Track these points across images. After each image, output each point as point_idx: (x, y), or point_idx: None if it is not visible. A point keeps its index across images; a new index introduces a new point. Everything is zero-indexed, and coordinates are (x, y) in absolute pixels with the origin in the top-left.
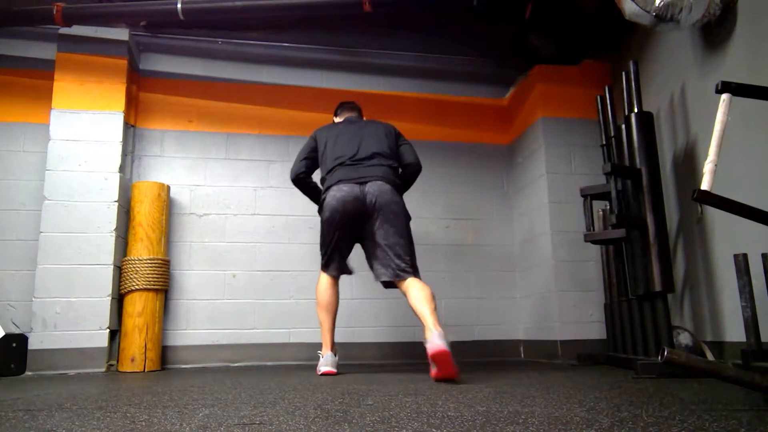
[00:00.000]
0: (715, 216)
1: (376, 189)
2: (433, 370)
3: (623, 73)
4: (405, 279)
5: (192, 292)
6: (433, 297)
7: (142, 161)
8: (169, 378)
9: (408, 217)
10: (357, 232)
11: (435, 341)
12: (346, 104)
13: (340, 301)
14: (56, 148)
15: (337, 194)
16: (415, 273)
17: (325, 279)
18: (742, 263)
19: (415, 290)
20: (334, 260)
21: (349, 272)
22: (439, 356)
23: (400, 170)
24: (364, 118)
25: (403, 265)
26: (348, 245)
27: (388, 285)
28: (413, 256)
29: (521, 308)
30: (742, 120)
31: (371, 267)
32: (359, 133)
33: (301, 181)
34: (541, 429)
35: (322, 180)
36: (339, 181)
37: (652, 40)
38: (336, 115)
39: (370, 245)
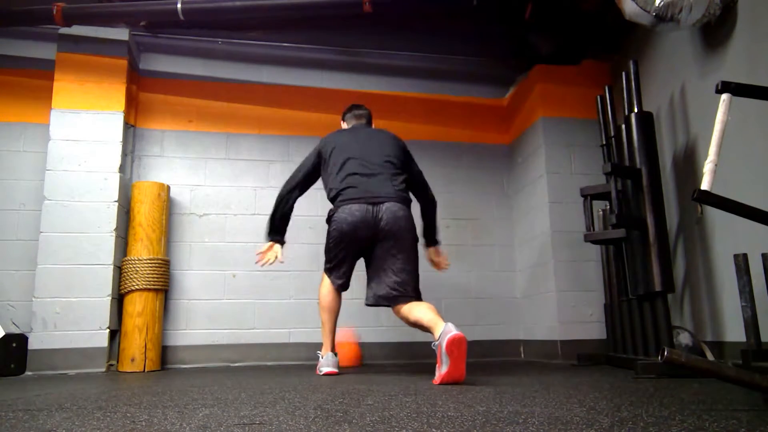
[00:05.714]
0: (715, 216)
1: (390, 215)
2: (439, 374)
3: (623, 73)
4: (407, 303)
5: (192, 292)
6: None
7: (142, 161)
8: (169, 378)
9: (417, 240)
10: (365, 251)
11: (452, 328)
12: (355, 109)
13: (341, 300)
14: (56, 148)
15: (349, 218)
16: (418, 297)
17: (328, 282)
18: (742, 263)
19: (418, 306)
20: (339, 269)
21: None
22: (458, 341)
23: (415, 193)
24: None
25: (407, 290)
26: (354, 260)
27: (372, 305)
28: (417, 282)
29: (521, 308)
30: (742, 120)
31: (369, 285)
32: (368, 143)
33: (290, 198)
34: (541, 429)
35: (331, 193)
36: (351, 200)
37: (652, 40)
38: (343, 119)
39: (377, 267)
